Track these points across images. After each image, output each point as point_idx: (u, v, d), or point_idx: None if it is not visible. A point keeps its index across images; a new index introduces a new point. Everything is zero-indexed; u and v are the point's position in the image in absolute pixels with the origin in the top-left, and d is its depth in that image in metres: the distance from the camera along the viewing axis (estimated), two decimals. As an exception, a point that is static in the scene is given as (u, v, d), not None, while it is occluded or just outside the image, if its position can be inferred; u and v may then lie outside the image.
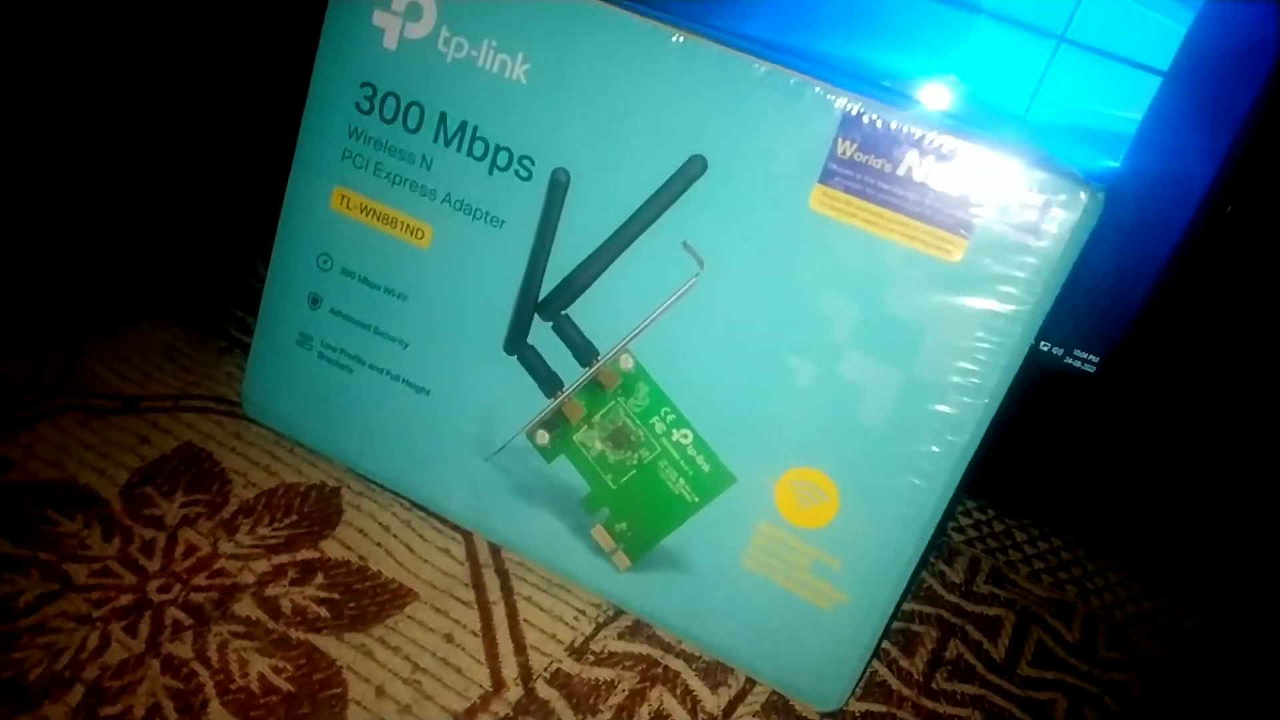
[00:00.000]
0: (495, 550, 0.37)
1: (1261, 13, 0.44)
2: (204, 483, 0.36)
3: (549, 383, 0.36)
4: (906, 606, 0.42)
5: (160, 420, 0.39)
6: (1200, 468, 0.53)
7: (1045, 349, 0.51)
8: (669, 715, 0.33)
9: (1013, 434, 0.43)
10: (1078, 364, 0.54)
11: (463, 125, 0.34)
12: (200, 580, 0.32)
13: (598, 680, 0.33)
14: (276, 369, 0.39)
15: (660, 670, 0.34)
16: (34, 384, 0.38)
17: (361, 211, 0.36)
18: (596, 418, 0.35)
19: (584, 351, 0.35)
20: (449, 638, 0.33)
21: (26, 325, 0.42)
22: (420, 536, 0.37)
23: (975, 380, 0.30)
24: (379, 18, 0.34)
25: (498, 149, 0.34)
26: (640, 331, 0.34)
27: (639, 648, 0.35)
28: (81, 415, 0.38)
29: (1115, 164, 0.49)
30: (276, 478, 0.37)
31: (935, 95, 0.50)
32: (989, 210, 0.29)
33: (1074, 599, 0.47)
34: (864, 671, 0.35)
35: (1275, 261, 0.50)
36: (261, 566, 0.33)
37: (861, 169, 0.30)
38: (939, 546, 0.47)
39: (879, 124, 0.30)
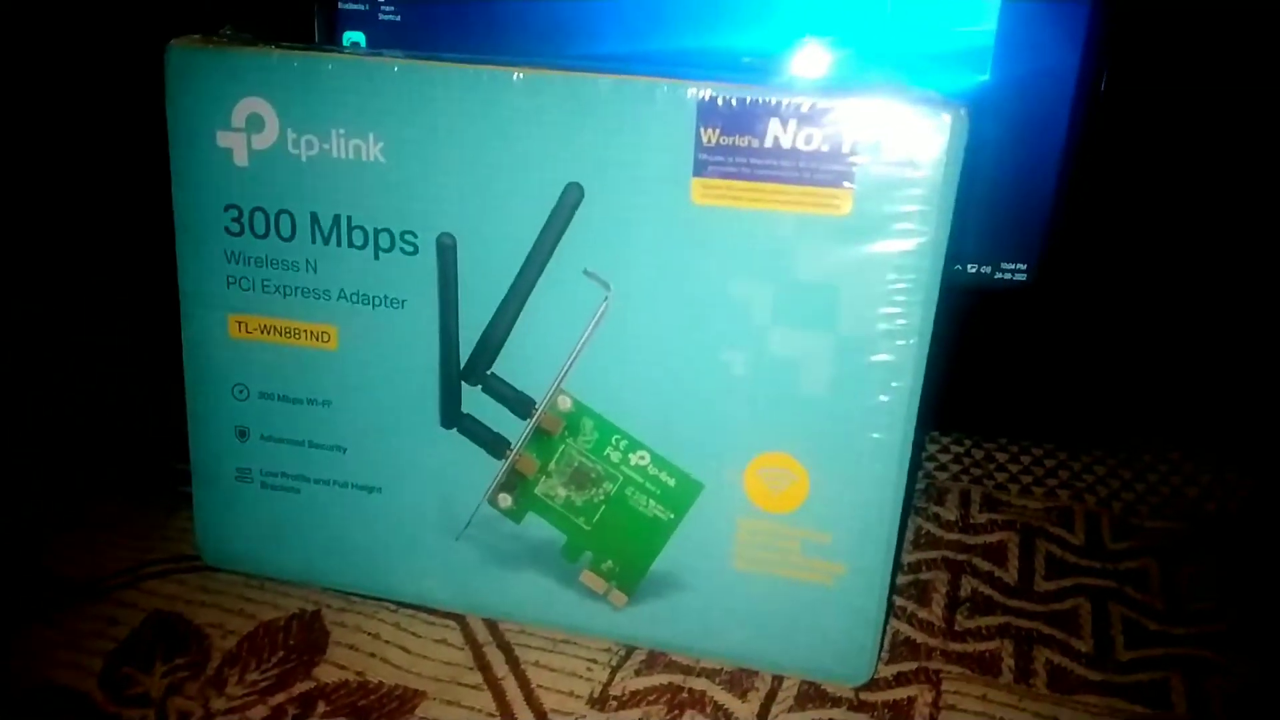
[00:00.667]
0: (492, 625, 0.37)
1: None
2: (180, 646, 0.35)
3: (495, 445, 0.35)
4: (910, 557, 0.42)
5: (124, 596, 0.37)
6: (1153, 341, 0.54)
7: (974, 270, 0.52)
8: (705, 741, 0.32)
9: (967, 359, 0.43)
10: (1009, 276, 0.55)
11: (336, 219, 0.34)
12: (201, 746, 0.31)
13: (627, 725, 0.33)
14: (224, 511, 0.38)
15: (686, 695, 0.34)
16: None
17: (262, 331, 0.36)
18: (552, 465, 0.35)
19: (520, 404, 0.34)
20: (467, 728, 0.32)
21: None
22: (413, 635, 0.36)
23: (901, 322, 0.30)
24: (223, 138, 0.34)
25: (377, 232, 0.34)
26: (568, 369, 0.33)
27: (659, 679, 0.34)
28: (47, 617, 0.36)
29: (985, 77, 0.49)
30: (253, 619, 0.36)
31: (795, 59, 0.50)
32: (862, 156, 0.29)
33: (1069, 502, 0.47)
34: (884, 634, 0.35)
35: (1158, 128, 0.51)
36: (260, 713, 0.32)
37: (731, 151, 0.30)
38: (925, 490, 0.47)
39: (735, 103, 0.30)
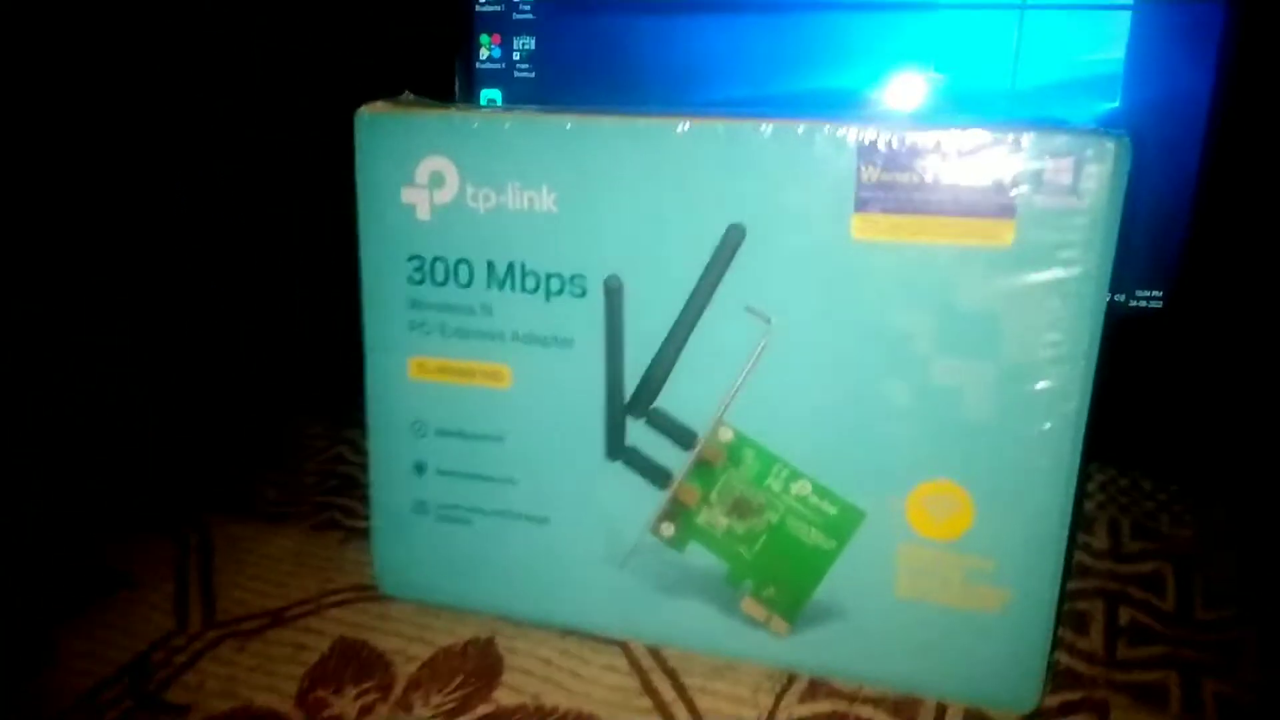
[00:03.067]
0: (655, 652, 0.38)
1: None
2: (368, 670, 0.37)
3: (658, 476, 0.36)
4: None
5: (310, 624, 0.40)
6: None
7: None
8: (878, 761, 0.33)
9: (1111, 388, 0.43)
10: (1144, 304, 0.54)
11: (510, 266, 0.36)
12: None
13: (797, 748, 0.34)
14: (402, 542, 0.40)
15: (852, 720, 0.34)
16: (181, 623, 0.40)
17: (440, 372, 0.38)
18: (713, 495, 0.36)
19: (683, 436, 0.36)
20: (641, 750, 0.34)
21: (145, 557, 0.44)
22: (582, 660, 0.38)
23: (1065, 348, 0.31)
24: (407, 194, 0.37)
25: (549, 277, 0.36)
26: (730, 401, 0.35)
27: (823, 705, 0.35)
28: (236, 642, 0.39)
29: (1115, 104, 0.50)
30: (432, 645, 0.38)
31: (927, 97, 0.51)
32: (1024, 188, 0.30)
33: (1220, 530, 0.46)
34: (1050, 663, 0.35)
35: None
36: None
37: (891, 187, 0.31)
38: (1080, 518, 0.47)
39: (894, 143, 0.31)
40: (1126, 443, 0.53)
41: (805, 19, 0.53)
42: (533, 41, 0.58)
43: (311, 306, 0.61)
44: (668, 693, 0.36)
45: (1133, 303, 0.52)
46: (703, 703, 0.35)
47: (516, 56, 0.58)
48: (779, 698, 0.36)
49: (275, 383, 0.63)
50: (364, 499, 0.41)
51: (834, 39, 0.52)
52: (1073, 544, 0.33)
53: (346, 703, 0.36)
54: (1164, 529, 0.47)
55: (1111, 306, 0.52)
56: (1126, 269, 0.53)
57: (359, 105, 0.37)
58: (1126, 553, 0.45)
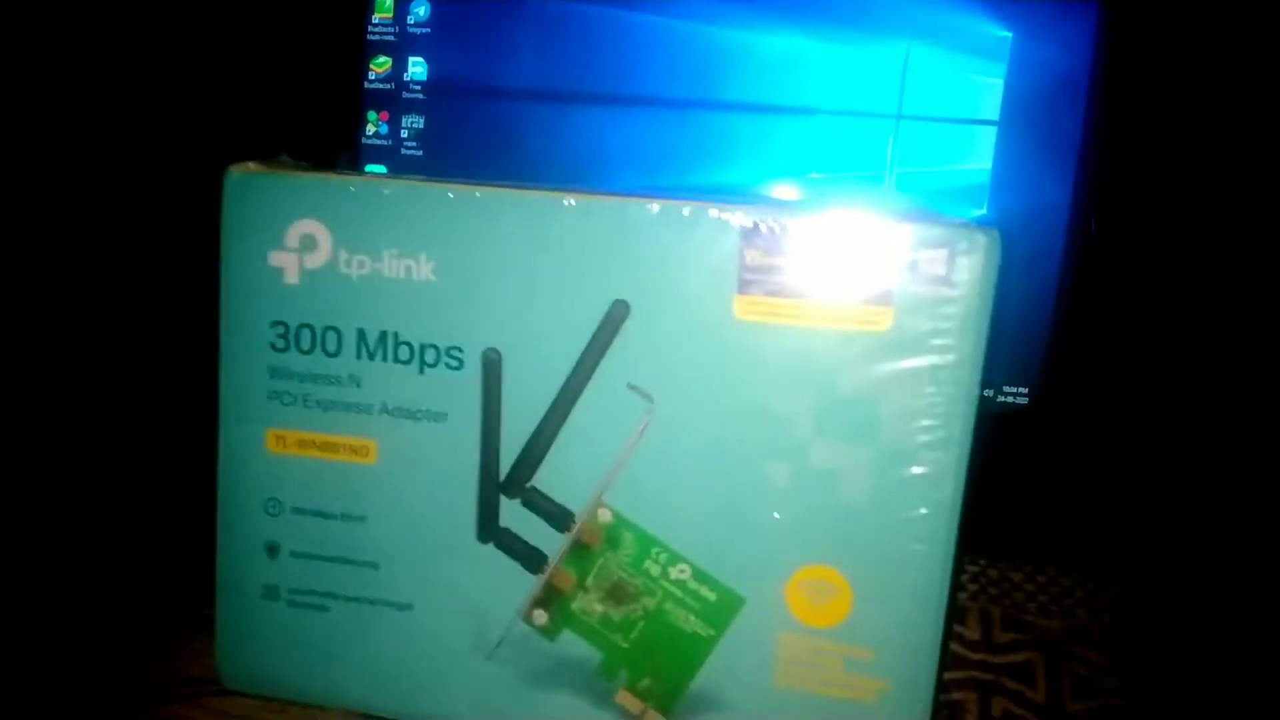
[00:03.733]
0: (524, 749, 0.36)
1: (1064, 47, 0.49)
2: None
3: (532, 559, 0.35)
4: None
5: (138, 721, 0.36)
6: (1163, 459, 0.55)
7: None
8: None
9: (980, 481, 0.44)
10: (1011, 399, 0.57)
11: (383, 335, 0.35)
12: None
13: None
14: (247, 630, 0.37)
15: (729, 821, 0.33)
16: None
17: (300, 446, 0.36)
18: (589, 580, 0.34)
19: (559, 517, 0.34)
20: None
21: None
22: (443, 759, 0.35)
23: (941, 433, 0.31)
24: (275, 258, 0.35)
25: (423, 348, 0.34)
26: (610, 481, 0.34)
27: (700, 805, 0.33)
28: None
29: (983, 211, 0.52)
30: (275, 745, 0.35)
31: (810, 197, 0.53)
32: (901, 275, 0.31)
33: (1087, 621, 0.47)
34: (926, 757, 0.34)
35: (1147, 258, 0.53)
36: None
37: (774, 270, 0.32)
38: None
39: (778, 228, 0.31)
40: (996, 535, 0.54)
41: (694, 116, 0.54)
42: (422, 121, 0.58)
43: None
44: None
45: (1000, 398, 0.54)
46: None
47: (404, 134, 0.58)
48: (652, 798, 0.34)
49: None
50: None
51: (723, 137, 0.54)
52: (949, 634, 0.33)
53: None
54: (1033, 619, 0.47)
55: (981, 402, 0.54)
56: (994, 366, 0.55)
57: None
58: (998, 643, 0.45)
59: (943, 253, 0.30)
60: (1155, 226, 0.53)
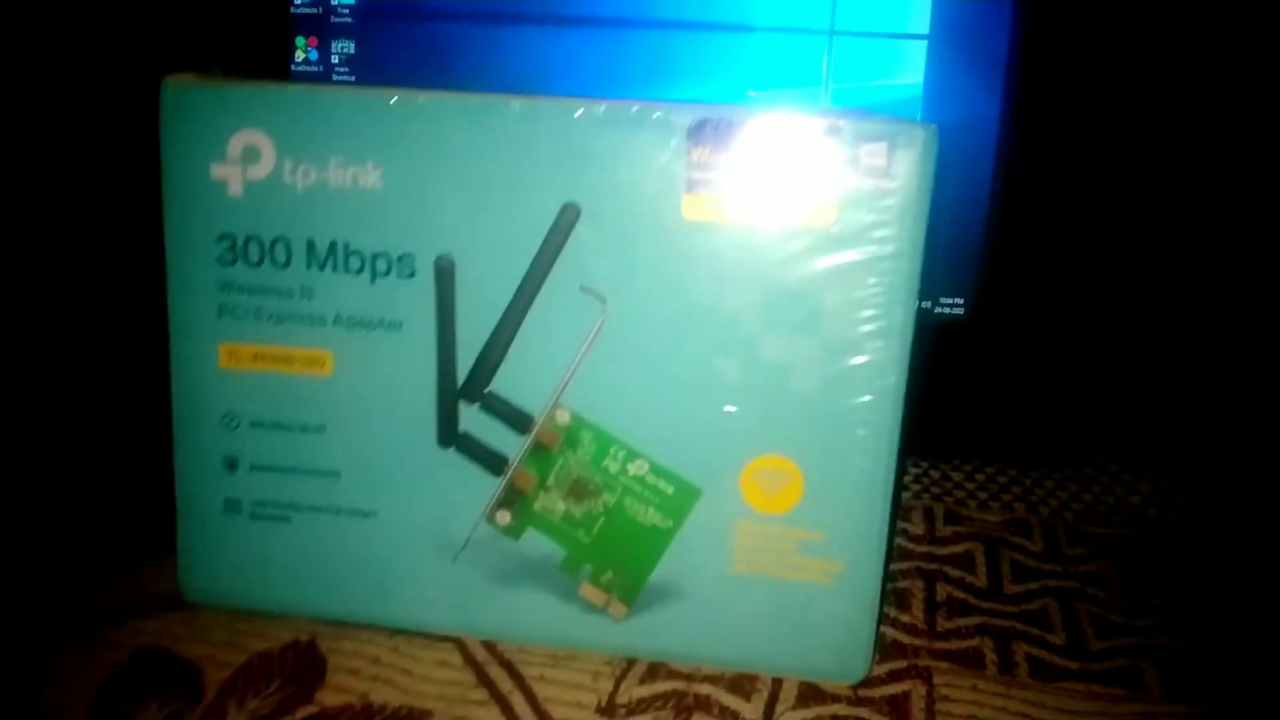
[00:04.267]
0: (490, 645, 0.37)
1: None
2: (173, 679, 0.34)
3: (493, 462, 0.36)
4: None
5: (106, 636, 0.36)
6: (1085, 361, 0.58)
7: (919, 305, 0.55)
8: (713, 744, 0.33)
9: (921, 388, 0.46)
10: (948, 310, 0.58)
11: (333, 245, 0.35)
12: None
13: (636, 731, 0.33)
14: (209, 545, 0.37)
15: (691, 699, 0.34)
16: None
17: (254, 360, 0.36)
18: (550, 479, 0.35)
19: (518, 420, 0.35)
20: (479, 742, 0.32)
21: None
22: (412, 657, 0.36)
23: (883, 323, 0.32)
24: (217, 170, 0.34)
25: (374, 257, 0.34)
26: (566, 383, 0.34)
27: (663, 685, 0.35)
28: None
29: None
30: (245, 650, 0.36)
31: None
32: (842, 170, 0.32)
33: (1024, 514, 0.50)
34: (877, 634, 0.36)
35: (1072, 165, 0.55)
36: None
37: (719, 169, 0.32)
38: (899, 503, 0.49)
39: (723, 126, 0.32)
40: (937, 439, 0.57)
41: (629, 35, 0.54)
42: (352, 45, 0.56)
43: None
44: (505, 683, 0.35)
45: (938, 309, 0.55)
46: (542, 690, 0.35)
47: (335, 60, 0.56)
48: (619, 680, 0.35)
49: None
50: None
51: (657, 55, 0.54)
52: (894, 526, 0.34)
53: (150, 715, 0.32)
54: (972, 514, 0.50)
55: (921, 313, 0.56)
56: (931, 278, 0.57)
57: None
58: (940, 536, 0.47)
59: (881, 146, 0.31)
60: (1080, 138, 0.55)
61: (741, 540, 0.35)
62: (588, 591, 0.36)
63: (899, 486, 0.34)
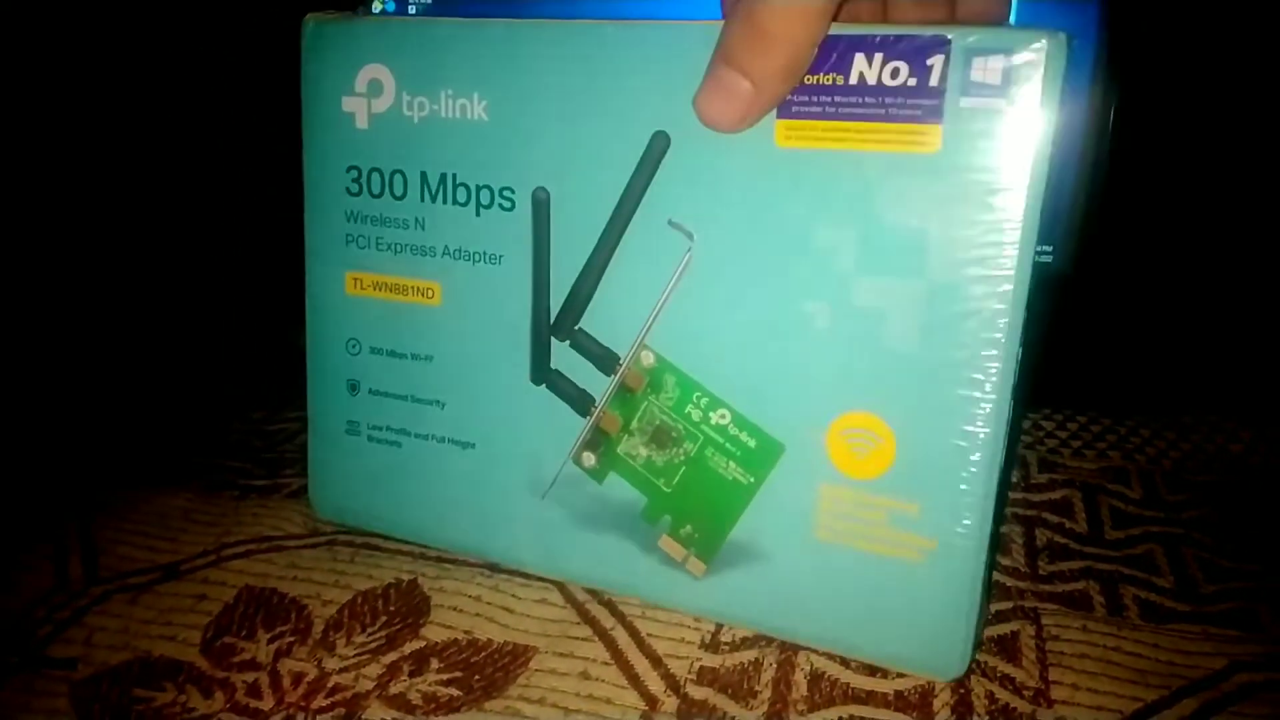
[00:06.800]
0: (588, 588, 0.36)
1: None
2: (280, 615, 0.36)
3: (581, 402, 0.35)
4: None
5: (209, 575, 0.38)
6: (1181, 312, 0.53)
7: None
8: (824, 672, 0.32)
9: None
10: (1036, 256, 0.51)
11: (443, 178, 0.35)
12: (321, 701, 0.31)
13: (743, 663, 0.32)
14: (334, 463, 0.40)
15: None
16: (63, 580, 0.38)
17: (375, 288, 0.38)
18: (634, 423, 0.34)
19: (605, 360, 0.34)
20: (585, 675, 0.32)
21: (26, 519, 0.42)
22: (513, 596, 0.36)
23: (993, 268, 0.28)
24: (347, 103, 0.36)
25: (479, 189, 0.35)
26: (651, 323, 0.33)
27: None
28: (126, 595, 0.37)
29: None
30: (349, 589, 0.37)
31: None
32: (951, 88, 0.28)
33: (1121, 462, 0.47)
34: (980, 626, 0.31)
35: (1170, 111, 0.50)
36: (374, 670, 0.33)
37: (815, 90, 0.29)
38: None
39: (823, 43, 0.29)
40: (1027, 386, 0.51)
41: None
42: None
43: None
44: (607, 620, 0.35)
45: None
46: (645, 627, 0.34)
47: (412, 10, 0.53)
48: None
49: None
50: (257, 460, 0.39)
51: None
52: (1003, 504, 0.30)
53: (259, 648, 0.34)
54: (1067, 461, 0.47)
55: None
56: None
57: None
58: (1035, 483, 0.45)
59: (998, 60, 0.27)
60: (1182, 79, 0.50)
61: (826, 505, 0.32)
62: (667, 544, 0.34)
63: (1010, 461, 0.29)
